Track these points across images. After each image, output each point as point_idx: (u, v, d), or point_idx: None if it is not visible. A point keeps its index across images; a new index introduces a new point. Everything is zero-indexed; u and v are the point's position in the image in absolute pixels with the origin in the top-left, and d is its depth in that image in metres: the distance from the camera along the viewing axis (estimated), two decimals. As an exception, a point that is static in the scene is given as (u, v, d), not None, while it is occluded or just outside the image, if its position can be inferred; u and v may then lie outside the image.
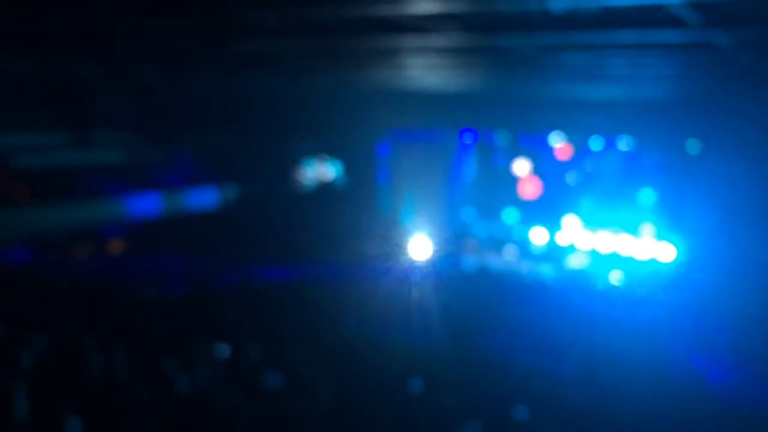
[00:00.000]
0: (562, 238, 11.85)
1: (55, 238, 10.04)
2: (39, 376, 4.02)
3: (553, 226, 12.00)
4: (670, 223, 10.98)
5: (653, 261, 11.03)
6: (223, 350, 5.19)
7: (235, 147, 12.41)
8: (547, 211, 12.19)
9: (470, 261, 11.77)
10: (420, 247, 11.27)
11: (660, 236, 11.08)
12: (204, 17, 5.30)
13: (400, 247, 11.44)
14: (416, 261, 11.03)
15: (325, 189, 13.66)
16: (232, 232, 11.31)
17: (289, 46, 6.36)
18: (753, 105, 9.51)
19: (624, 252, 11.29)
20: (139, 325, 5.85)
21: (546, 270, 11.45)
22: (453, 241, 12.08)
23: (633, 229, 11.35)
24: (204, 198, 12.23)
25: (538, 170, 12.36)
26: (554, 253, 11.79)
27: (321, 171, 13.72)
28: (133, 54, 7.77)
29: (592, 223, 11.69)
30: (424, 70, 7.86)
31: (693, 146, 10.66)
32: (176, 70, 9.13)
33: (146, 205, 11.30)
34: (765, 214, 9.62)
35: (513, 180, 12.63)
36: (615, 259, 11.24)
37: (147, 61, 8.41)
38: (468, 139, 12.70)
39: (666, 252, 10.97)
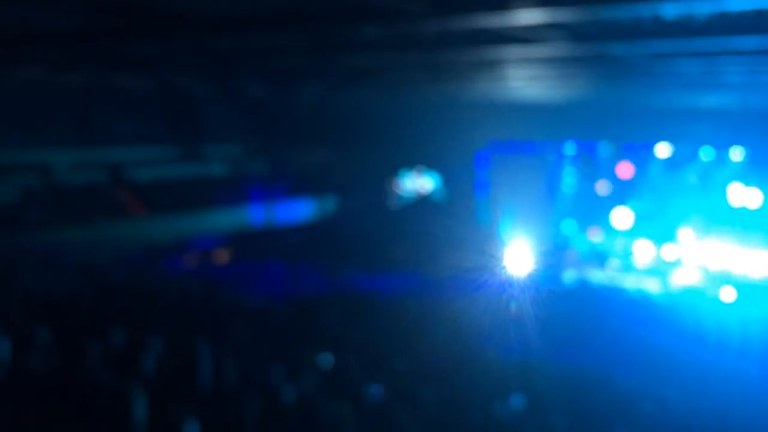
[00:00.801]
0: (669, 253, 11.38)
1: (168, 248, 10.45)
2: (156, 381, 4.15)
3: (660, 239, 11.55)
4: None
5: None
6: (327, 360, 5.24)
7: (335, 159, 12.64)
8: (653, 223, 11.78)
9: (571, 275, 11.49)
10: (519, 260, 11.10)
11: None
12: (309, 33, 5.38)
13: (498, 260, 11.31)
14: (515, 274, 10.82)
15: (423, 201, 13.67)
16: (333, 243, 11.51)
17: (391, 59, 6.40)
18: None
19: (737, 269, 10.72)
20: (246, 333, 5.99)
21: (651, 286, 11.00)
22: (553, 255, 11.82)
23: (747, 244, 10.79)
24: (305, 209, 12.52)
25: (642, 180, 11.97)
26: (660, 267, 11.33)
27: (419, 183, 13.75)
28: (242, 71, 8.01)
29: (701, 236, 11.21)
30: (527, 81, 7.75)
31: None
32: (281, 85, 9.37)
33: (253, 216, 11.64)
34: None
35: (615, 191, 12.22)
36: (727, 276, 10.68)
37: (254, 78, 8.66)
38: (569, 150, 12.43)
39: None
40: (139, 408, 3.59)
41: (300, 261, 10.70)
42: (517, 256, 11.09)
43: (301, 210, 12.52)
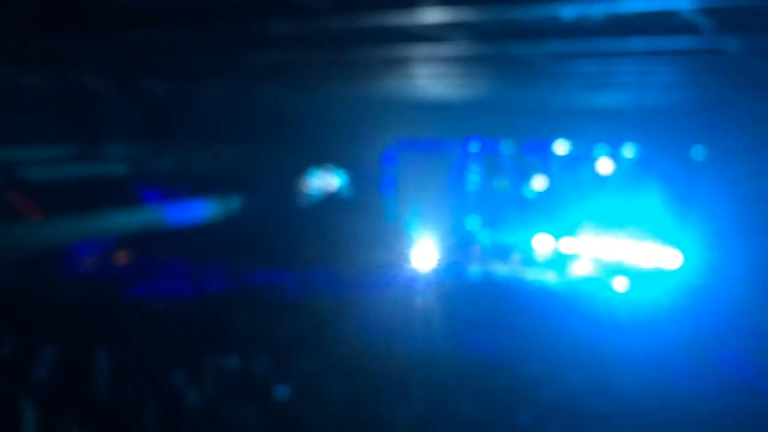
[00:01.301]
0: (566, 246, 11.78)
1: (65, 250, 9.98)
2: (48, 389, 3.90)
3: (558, 233, 11.93)
4: (676, 229, 10.90)
5: (658, 268, 10.94)
6: (232, 361, 5.08)
7: (242, 158, 12.35)
8: (551, 218, 12.10)
9: (475, 269, 11.67)
10: (425, 255, 11.22)
11: (665, 243, 11.01)
12: (214, 30, 5.21)
13: (405, 256, 11.41)
14: (422, 269, 10.98)
15: (331, 199, 13.58)
16: (239, 242, 11.22)
17: (298, 56, 6.30)
18: (761, 113, 9.48)
19: (629, 259, 11.21)
20: (147, 336, 5.75)
21: (550, 278, 11.37)
22: (458, 249, 12.01)
23: (638, 236, 11.28)
24: (211, 208, 12.17)
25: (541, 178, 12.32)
26: (558, 260, 11.71)
27: (327, 181, 13.64)
28: (144, 68, 7.71)
29: (596, 230, 11.64)
30: (432, 80, 7.79)
31: (700, 153, 10.57)
32: (185, 82, 9.07)
33: (155, 215, 11.23)
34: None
35: (517, 188, 12.52)
36: (620, 267, 11.16)
37: (157, 74, 8.35)
38: (473, 148, 12.63)
39: (671, 259, 10.88)
40: (28, 420, 3.34)
41: (205, 261, 10.41)
42: (424, 251, 11.21)
43: (206, 209, 12.15)
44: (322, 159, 13.22)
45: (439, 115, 12.01)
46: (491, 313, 9.28)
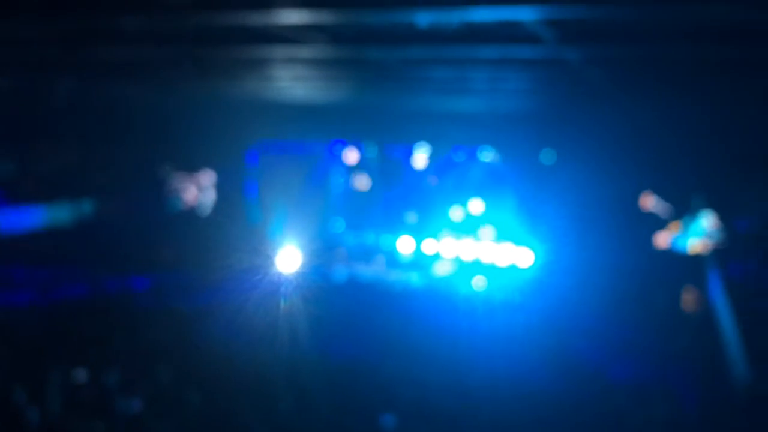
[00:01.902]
0: (428, 247, 12.04)
1: None
2: None
3: (420, 235, 12.17)
4: (529, 229, 11.36)
5: (513, 267, 11.42)
6: (80, 375, 4.77)
7: (95, 160, 11.66)
8: (413, 220, 12.37)
9: (340, 271, 11.79)
10: (290, 259, 11.01)
11: (519, 242, 11.46)
12: (60, 21, 4.88)
13: (269, 260, 11.14)
14: (286, 273, 10.69)
15: (191, 202, 13.10)
16: (92, 248, 10.62)
17: (152, 53, 6.01)
18: (601, 119, 10.10)
19: (486, 259, 11.63)
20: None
21: (413, 278, 11.64)
22: (323, 253, 11.96)
23: (494, 237, 11.70)
24: (61, 213, 11.40)
25: (403, 181, 12.50)
26: (421, 261, 11.97)
27: (187, 183, 13.14)
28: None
29: (455, 231, 11.96)
30: (292, 82, 7.71)
31: (548, 156, 11.11)
32: (29, 79, 8.41)
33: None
34: (614, 221, 10.14)
35: (380, 190, 12.69)
36: (478, 266, 11.57)
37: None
38: (337, 150, 12.62)
39: (524, 258, 11.38)
40: None
41: (53, 268, 9.78)
42: (287, 255, 11.01)
43: (54, 213, 11.41)
44: (182, 161, 12.71)
45: (302, 117, 11.87)
46: (356, 315, 9.57)
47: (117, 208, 12.23)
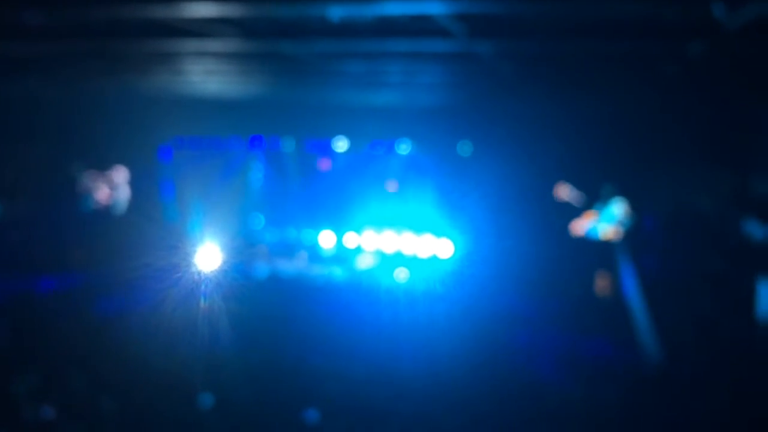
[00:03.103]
0: (349, 241, 12.11)
1: None
2: None
3: (341, 229, 12.22)
4: (448, 221, 11.53)
5: (434, 258, 11.60)
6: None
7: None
8: (334, 215, 12.36)
9: (261, 268, 11.71)
10: (208, 257, 10.81)
11: (439, 234, 11.65)
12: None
13: (187, 259, 10.87)
14: (204, 272, 10.45)
15: (104, 199, 12.67)
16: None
17: (57, 47, 5.79)
18: (514, 112, 10.36)
19: (407, 251, 11.78)
20: None
21: (335, 272, 11.68)
22: (243, 250, 11.78)
23: (414, 229, 11.85)
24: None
25: (322, 176, 12.52)
26: (342, 255, 12.04)
27: (102, 181, 12.69)
28: None
29: (376, 224, 12.03)
30: (205, 76, 7.57)
31: (465, 148, 11.32)
32: None
33: None
34: (530, 210, 10.48)
35: (300, 184, 12.63)
36: (399, 258, 11.70)
37: None
38: (255, 146, 12.48)
39: (445, 249, 11.57)
40: None
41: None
42: (206, 253, 10.80)
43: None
44: (93, 158, 12.28)
45: (217, 112, 11.69)
46: (278, 312, 9.50)
47: (26, 208, 11.77)
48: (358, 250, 12.05)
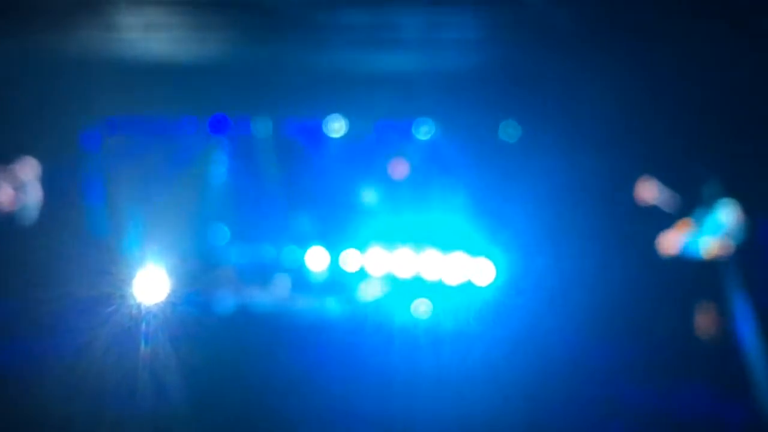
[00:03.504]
0: (348, 262, 12.19)
1: None
2: None
3: (337, 245, 12.30)
4: (487, 234, 11.56)
5: (467, 285, 11.65)
6: None
7: None
8: (329, 226, 12.46)
9: (225, 300, 11.78)
10: (151, 284, 10.87)
11: (474, 252, 11.70)
12: None
13: (122, 286, 10.79)
14: (146, 304, 10.35)
15: (8, 204, 12.76)
16: None
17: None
18: (577, 81, 10.26)
19: (429, 276, 11.85)
20: None
21: (329, 306, 11.75)
22: (199, 274, 11.89)
23: (439, 245, 11.89)
24: None
25: (310, 171, 12.64)
26: (339, 281, 12.12)
27: (2, 180, 12.78)
28: None
29: (386, 239, 12.12)
30: (147, 32, 7.62)
31: (510, 132, 11.41)
32: None
33: None
34: (602, 219, 10.57)
35: (279, 184, 12.76)
36: (418, 286, 11.76)
37: None
38: (216, 129, 12.60)
39: (483, 272, 11.63)
40: None
41: None
42: (148, 279, 10.86)
43: None
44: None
45: (165, 83, 11.59)
46: (248, 362, 9.47)
47: None
48: (361, 274, 12.08)
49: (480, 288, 11.58)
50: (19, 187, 12.60)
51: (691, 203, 10.14)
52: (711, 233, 9.92)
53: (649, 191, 10.35)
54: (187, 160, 12.87)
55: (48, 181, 12.75)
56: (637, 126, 10.11)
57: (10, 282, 10.44)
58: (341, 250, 12.25)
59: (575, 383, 8.93)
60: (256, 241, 12.75)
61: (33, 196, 12.69)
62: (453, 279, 11.73)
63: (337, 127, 12.11)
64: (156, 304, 10.36)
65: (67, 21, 6.94)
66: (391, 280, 11.95)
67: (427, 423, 7.62)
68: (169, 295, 10.73)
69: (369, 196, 12.36)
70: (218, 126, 12.71)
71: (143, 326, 9.29)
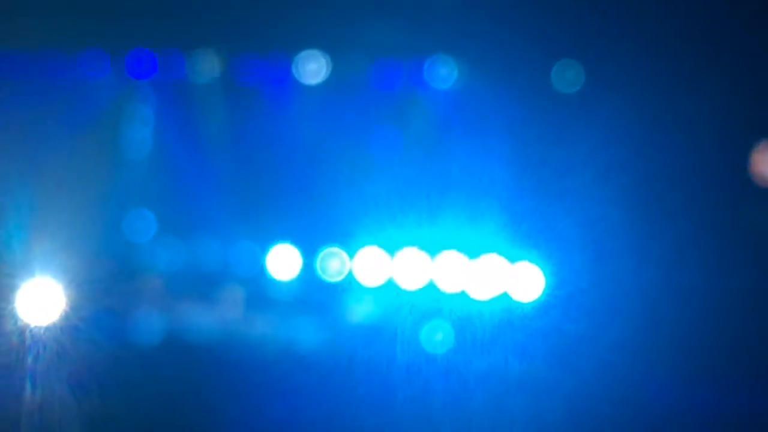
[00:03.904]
0: (330, 265, 12.03)
1: None
2: None
3: (313, 243, 12.18)
4: (533, 229, 11.42)
5: (503, 301, 11.46)
6: None
7: None
8: (305, 214, 12.32)
9: (150, 320, 11.65)
10: (41, 298, 10.99)
11: (514, 256, 11.54)
12: None
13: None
14: (35, 329, 10.76)
15: None
16: None
17: None
18: (662, 8, 10.32)
19: (448, 287, 11.66)
20: None
21: (301, 331, 11.64)
22: (114, 284, 11.70)
23: (463, 246, 11.76)
24: None
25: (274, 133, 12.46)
26: (317, 294, 11.97)
27: None
28: None
29: (385, 236, 11.97)
30: None
31: (567, 77, 11.23)
32: None
33: None
34: (699, 205, 10.56)
35: (230, 152, 12.66)
36: (433, 302, 11.59)
37: None
38: (136, 71, 12.44)
39: (526, 284, 11.45)
40: None
41: None
42: (37, 291, 10.96)
43: None
44: None
45: (63, 5, 11.61)
46: (182, 412, 10.03)
47: None
48: (350, 284, 11.91)
49: (522, 306, 11.41)
50: None
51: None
52: None
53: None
54: (93, 117, 12.61)
55: None
56: (749, 72, 10.25)
57: None
58: (319, 251, 12.11)
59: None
60: (194, 237, 12.55)
61: None
62: (483, 293, 11.54)
63: (313, 68, 11.95)
64: (48, 329, 10.58)
65: None
66: (393, 293, 11.76)
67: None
68: (67, 316, 10.80)
69: (360, 171, 12.09)
70: (138, 66, 12.51)
71: (29, 362, 9.85)
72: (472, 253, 11.64)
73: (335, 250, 12.03)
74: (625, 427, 9.87)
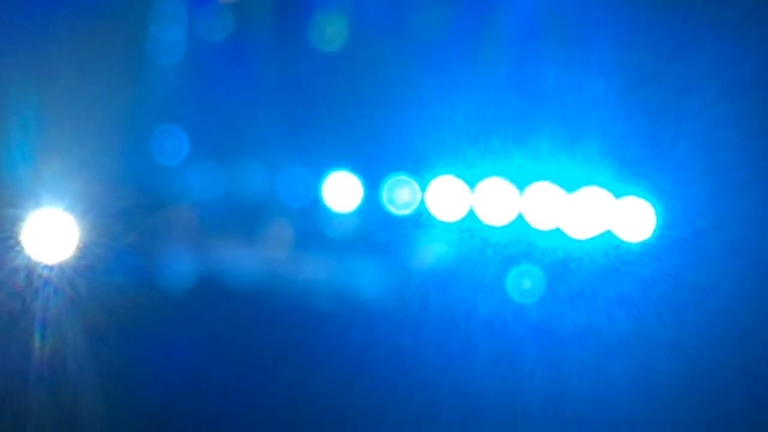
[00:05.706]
0: (399, 195, 11.48)
1: None
2: None
3: (377, 170, 11.58)
4: (641, 159, 10.71)
5: (606, 238, 10.83)
6: None
7: None
8: (358, 136, 11.70)
9: (180, 260, 11.19)
10: (51, 232, 10.41)
11: (619, 190, 10.88)
12: None
13: (7, 236, 10.53)
14: (47, 267, 10.24)
15: None
16: None
17: None
18: None
19: (541, 224, 11.06)
20: None
21: (363, 275, 11.12)
22: (136, 216, 11.12)
23: (557, 176, 11.11)
24: None
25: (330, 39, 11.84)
26: (381, 229, 11.46)
27: None
28: None
29: (462, 162, 11.29)
30: None
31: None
32: None
33: None
34: None
35: (278, 67, 12.02)
36: (522, 239, 11.01)
37: None
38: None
39: (633, 220, 10.79)
40: None
41: None
42: (49, 224, 10.48)
43: None
44: None
45: None
46: (218, 367, 9.61)
47: None
48: (421, 218, 11.38)
49: (628, 246, 10.61)
50: None
51: None
52: None
53: None
54: (114, 11, 11.88)
55: None
56: None
57: None
58: (384, 179, 11.47)
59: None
60: (234, 159, 11.99)
61: None
62: (581, 230, 10.81)
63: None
64: (59, 269, 10.18)
65: None
66: (473, 229, 11.01)
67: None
68: (81, 254, 10.40)
69: (436, 85, 11.41)
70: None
71: (39, 306, 9.38)
72: (569, 185, 10.98)
73: (405, 178, 11.46)
74: (756, 398, 8.90)
